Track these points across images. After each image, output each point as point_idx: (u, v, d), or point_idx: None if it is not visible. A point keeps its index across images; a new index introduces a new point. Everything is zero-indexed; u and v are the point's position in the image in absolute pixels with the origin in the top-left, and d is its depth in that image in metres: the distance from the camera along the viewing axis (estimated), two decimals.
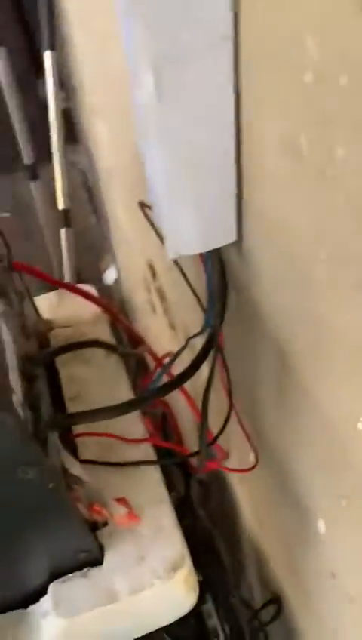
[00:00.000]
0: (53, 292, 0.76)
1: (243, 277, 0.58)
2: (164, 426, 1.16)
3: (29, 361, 0.51)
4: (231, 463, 0.91)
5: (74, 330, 0.71)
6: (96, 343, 0.63)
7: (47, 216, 1.48)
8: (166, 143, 0.43)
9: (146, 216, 0.65)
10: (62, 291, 0.75)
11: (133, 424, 0.63)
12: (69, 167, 1.27)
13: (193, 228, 0.49)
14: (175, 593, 0.52)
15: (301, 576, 0.74)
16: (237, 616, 0.96)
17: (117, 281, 1.77)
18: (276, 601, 0.91)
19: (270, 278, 0.52)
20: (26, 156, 1.34)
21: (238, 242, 0.54)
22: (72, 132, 1.64)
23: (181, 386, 0.71)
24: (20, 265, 0.61)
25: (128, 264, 1.48)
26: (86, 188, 1.87)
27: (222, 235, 0.51)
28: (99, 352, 0.69)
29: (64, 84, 1.39)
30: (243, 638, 0.91)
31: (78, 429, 0.61)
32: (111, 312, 0.75)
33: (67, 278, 1.35)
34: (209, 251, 0.55)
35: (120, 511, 0.51)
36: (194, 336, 0.71)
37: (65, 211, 1.29)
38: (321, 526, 0.57)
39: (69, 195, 1.26)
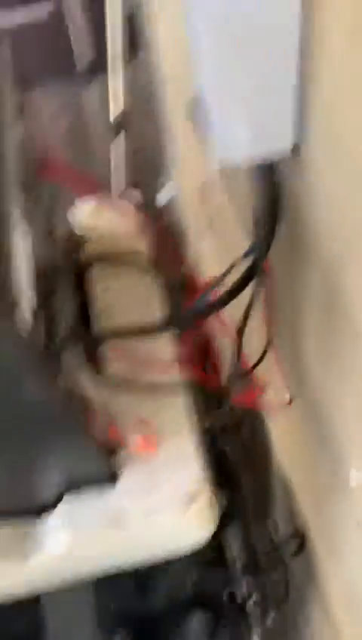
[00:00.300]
0: (93, 202, 0.71)
1: (297, 192, 0.51)
2: (204, 354, 1.13)
3: (52, 268, 0.47)
4: (267, 397, 0.87)
5: (110, 244, 0.67)
6: (127, 258, 0.59)
7: (101, 123, 1.40)
8: (215, 13, 0.35)
9: (193, 122, 0.58)
10: (102, 202, 0.70)
11: (164, 347, 0.59)
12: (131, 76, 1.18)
13: (243, 127, 0.42)
14: (189, 525, 0.50)
15: (326, 519, 0.71)
16: (258, 546, 0.96)
17: (170, 201, 1.70)
18: (300, 537, 0.90)
19: (329, 192, 0.45)
20: (85, 54, 1.25)
21: (295, 150, 0.47)
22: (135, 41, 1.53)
23: (214, 313, 0.66)
24: (56, 163, 0.56)
25: (182, 184, 1.41)
26: (146, 101, 1.77)
27: (277, 141, 0.44)
28: (134, 269, 0.64)
29: None
30: (261, 567, 0.91)
31: (107, 346, 0.58)
32: (149, 227, 0.70)
33: (117, 185, 1.29)
34: (260, 164, 0.48)
35: (137, 436, 0.48)
36: (237, 262, 0.65)
37: (123, 113, 1.20)
38: (353, 476, 0.53)
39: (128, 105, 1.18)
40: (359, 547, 0.60)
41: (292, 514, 0.92)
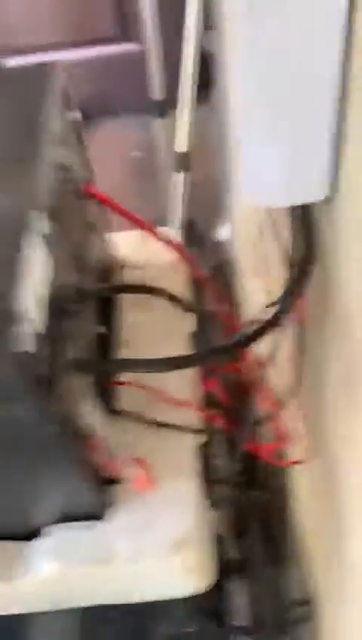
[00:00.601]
0: (137, 232, 0.71)
1: (329, 244, 0.50)
2: (231, 396, 1.10)
3: (73, 293, 0.47)
4: (289, 450, 0.84)
5: (145, 273, 0.67)
6: (156, 290, 0.58)
7: (169, 158, 1.43)
8: (252, 55, 0.35)
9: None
10: (146, 233, 0.71)
11: (182, 385, 0.58)
12: (204, 113, 1.20)
13: (275, 171, 0.42)
14: (174, 574, 0.48)
15: (335, 591, 0.67)
16: (264, 605, 0.91)
17: (229, 238, 1.71)
18: (309, 604, 0.85)
19: (354, 249, 0.43)
20: (158, 91, 1.29)
21: (330, 199, 0.45)
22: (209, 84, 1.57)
23: (236, 354, 0.64)
24: (95, 192, 0.57)
25: (241, 222, 1.41)
26: (218, 135, 1.80)
27: (311, 187, 0.43)
28: (165, 302, 0.64)
29: (213, 23, 1.31)
30: (265, 629, 0.87)
31: (123, 376, 0.57)
32: (190, 263, 0.69)
33: (174, 224, 1.31)
34: (294, 207, 0.47)
35: (136, 472, 0.47)
36: (269, 305, 0.63)
37: (185, 154, 1.23)
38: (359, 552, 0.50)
39: (197, 139, 1.20)
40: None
41: (304, 577, 0.88)
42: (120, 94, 2.33)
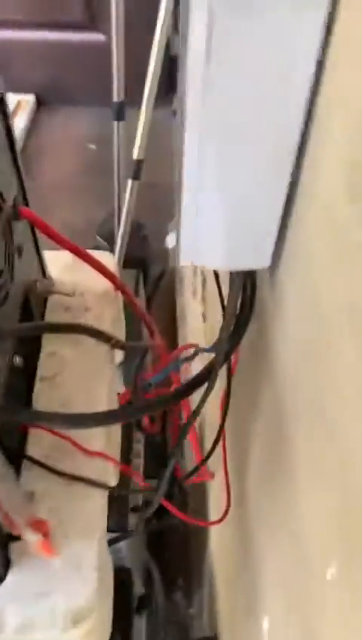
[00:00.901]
0: (68, 254, 0.66)
1: (267, 308, 0.47)
2: (164, 418, 1.07)
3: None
4: (214, 489, 0.82)
5: (77, 302, 0.62)
6: (81, 329, 0.54)
7: (123, 157, 1.38)
8: (203, 107, 0.32)
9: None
10: (79, 256, 0.66)
11: (100, 432, 0.54)
12: (167, 116, 1.15)
13: (217, 236, 0.39)
14: None
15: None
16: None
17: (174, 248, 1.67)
18: None
19: (292, 325, 0.41)
20: (116, 94, 1.24)
21: (272, 268, 0.43)
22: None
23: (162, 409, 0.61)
24: (28, 214, 0.52)
25: None
26: (175, 142, 1.76)
27: (253, 256, 0.40)
28: (92, 334, 0.60)
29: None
30: None
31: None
32: (125, 294, 0.65)
33: (119, 232, 1.26)
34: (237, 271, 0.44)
35: (34, 536, 0.43)
36: (197, 353, 0.61)
37: (138, 162, 1.19)
38: (265, 626, 0.48)
39: (156, 143, 1.15)
40: None
41: (211, 615, 0.86)
42: (81, 84, 2.25)
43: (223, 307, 0.59)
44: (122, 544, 0.87)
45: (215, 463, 0.73)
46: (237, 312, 0.49)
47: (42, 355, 0.57)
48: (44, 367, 0.57)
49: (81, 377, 0.57)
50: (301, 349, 0.38)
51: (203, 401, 0.52)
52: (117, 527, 0.87)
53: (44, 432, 0.51)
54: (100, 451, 0.51)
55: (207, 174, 0.36)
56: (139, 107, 1.16)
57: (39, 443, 0.51)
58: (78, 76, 2.29)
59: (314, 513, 0.35)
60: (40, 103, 2.31)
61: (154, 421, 1.05)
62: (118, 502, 0.90)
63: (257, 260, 0.40)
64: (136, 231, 1.55)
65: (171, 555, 1.05)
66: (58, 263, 0.64)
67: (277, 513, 0.44)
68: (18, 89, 2.21)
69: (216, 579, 0.84)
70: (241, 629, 0.63)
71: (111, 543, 0.87)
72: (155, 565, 0.78)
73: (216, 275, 0.55)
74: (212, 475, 0.84)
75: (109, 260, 0.65)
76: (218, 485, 0.74)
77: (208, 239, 0.39)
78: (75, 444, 0.51)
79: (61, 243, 0.56)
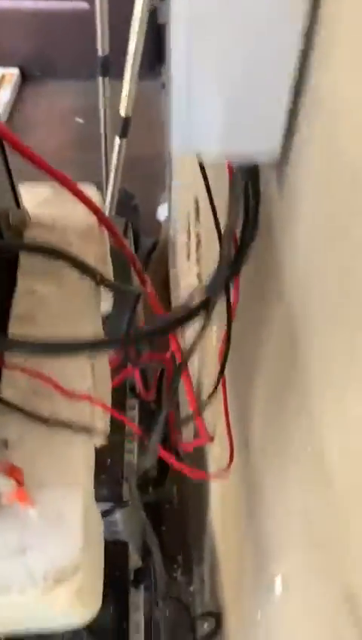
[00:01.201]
0: (51, 185, 0.60)
1: (277, 217, 0.41)
2: (159, 384, 1.01)
3: None
4: (214, 450, 0.76)
5: (56, 237, 0.56)
6: (64, 256, 0.48)
7: (110, 124, 1.31)
8: None
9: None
10: (63, 189, 0.59)
11: (86, 373, 0.48)
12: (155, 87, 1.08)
13: (215, 115, 0.32)
14: (53, 609, 0.38)
15: (245, 611, 0.60)
16: (171, 617, 0.83)
17: (167, 219, 1.61)
18: (216, 618, 0.78)
19: (308, 234, 0.35)
20: (100, 47, 1.17)
21: (280, 164, 0.36)
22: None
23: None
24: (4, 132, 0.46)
25: (179, 202, 1.32)
26: (164, 110, 1.69)
27: (259, 141, 0.34)
28: (77, 274, 0.53)
29: None
30: None
31: (11, 358, 0.46)
32: (111, 231, 0.59)
33: (108, 193, 1.20)
34: (238, 167, 0.38)
35: (7, 482, 0.36)
36: (198, 290, 0.54)
37: (126, 119, 1.12)
38: (278, 583, 0.42)
39: (145, 114, 1.09)
40: None
41: (214, 590, 0.80)
42: (66, 56, 2.17)
43: (220, 236, 0.53)
44: (117, 515, 0.81)
45: (214, 420, 0.67)
46: (240, 227, 0.42)
47: (18, 291, 0.51)
48: (20, 305, 0.50)
49: (63, 317, 0.50)
50: (317, 261, 0.32)
51: (199, 337, 0.46)
52: (111, 496, 0.81)
53: (20, 373, 0.45)
54: (86, 394, 0.45)
55: (199, 34, 0.30)
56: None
57: (14, 385, 0.45)
58: (63, 48, 2.21)
59: (338, 425, 0.29)
60: (25, 77, 2.24)
61: (149, 389, 1.00)
62: (111, 470, 0.85)
63: (265, 142, 0.33)
64: (127, 201, 1.49)
65: (169, 532, 1.00)
66: (35, 196, 0.58)
67: (291, 439, 0.38)
68: (1, 62, 2.14)
69: (218, 551, 0.78)
70: (248, 599, 0.57)
71: (105, 514, 0.82)
72: (154, 536, 0.72)
73: (209, 191, 0.49)
74: (211, 438, 0.78)
75: (94, 193, 0.58)
76: (217, 443, 0.68)
77: (204, 120, 0.33)
78: (56, 386, 0.45)
79: (38, 164, 0.49)
